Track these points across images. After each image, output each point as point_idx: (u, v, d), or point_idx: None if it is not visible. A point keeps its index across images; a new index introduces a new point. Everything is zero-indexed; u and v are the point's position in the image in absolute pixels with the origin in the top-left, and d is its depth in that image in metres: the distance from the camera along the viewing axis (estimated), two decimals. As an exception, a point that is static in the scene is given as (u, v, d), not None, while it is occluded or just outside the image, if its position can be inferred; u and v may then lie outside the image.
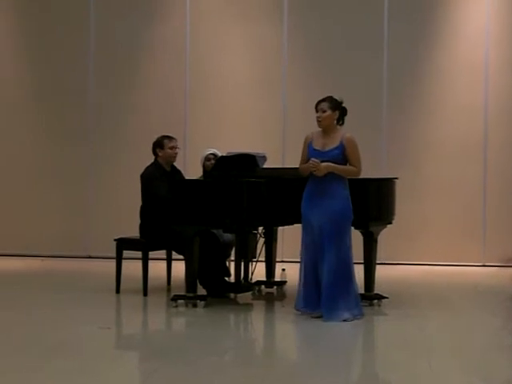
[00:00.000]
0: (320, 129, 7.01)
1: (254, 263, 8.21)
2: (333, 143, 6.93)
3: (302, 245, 7.00)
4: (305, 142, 7.04)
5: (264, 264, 8.40)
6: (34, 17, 11.26)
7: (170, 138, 8.21)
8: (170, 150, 8.15)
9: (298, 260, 9.72)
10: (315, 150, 6.93)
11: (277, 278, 8.57)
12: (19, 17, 11.33)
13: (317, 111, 6.96)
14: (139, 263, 7.99)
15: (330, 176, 6.85)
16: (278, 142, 10.80)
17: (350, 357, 5.92)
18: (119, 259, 8.17)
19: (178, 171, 8.33)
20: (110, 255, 8.65)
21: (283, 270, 8.64)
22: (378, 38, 10.67)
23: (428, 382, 5.14)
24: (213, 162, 8.14)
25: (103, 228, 10.75)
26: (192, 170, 8.89)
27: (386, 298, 7.47)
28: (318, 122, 6.96)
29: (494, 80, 10.57)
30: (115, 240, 8.22)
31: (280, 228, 8.69)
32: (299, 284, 7.02)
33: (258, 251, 8.29)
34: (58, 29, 11.18)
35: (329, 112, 6.93)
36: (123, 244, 8.19)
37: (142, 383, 5.28)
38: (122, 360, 5.76)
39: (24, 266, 10.33)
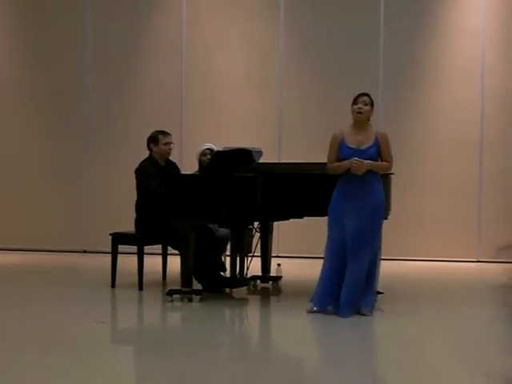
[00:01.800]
0: (350, 126, 6.93)
1: (250, 258, 8.21)
2: (368, 141, 6.89)
3: (327, 241, 6.92)
4: (334, 141, 6.92)
5: (259, 259, 8.41)
6: (31, 17, 11.21)
7: (164, 133, 8.17)
8: (164, 146, 8.12)
9: (293, 255, 9.74)
10: (350, 148, 6.84)
11: (272, 273, 8.57)
12: (16, 18, 11.29)
13: (356, 103, 6.88)
14: (135, 258, 7.99)
15: (368, 173, 6.83)
16: (275, 138, 10.80)
17: (345, 352, 5.93)
18: (114, 254, 8.17)
19: (173, 164, 8.30)
20: (105, 250, 8.64)
21: (279, 265, 8.66)
22: (374, 36, 10.66)
23: (424, 377, 5.15)
24: (209, 156, 8.14)
25: (99, 223, 10.75)
26: (188, 164, 8.88)
27: (382, 293, 7.47)
28: (359, 113, 6.86)
29: (490, 77, 10.58)
30: (110, 235, 8.22)
31: (275, 223, 8.69)
32: (320, 278, 6.95)
33: (254, 246, 8.30)
34: (55, 29, 11.14)
35: (369, 107, 6.91)
36: (118, 239, 8.19)
37: (137, 377, 5.28)
38: (117, 354, 5.77)
39: (20, 261, 10.32)
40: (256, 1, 10.93)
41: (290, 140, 10.78)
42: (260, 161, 7.94)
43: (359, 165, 6.76)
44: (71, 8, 11.15)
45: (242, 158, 7.69)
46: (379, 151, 6.91)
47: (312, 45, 10.79)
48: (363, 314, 6.80)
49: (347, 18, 10.70)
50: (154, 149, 8.11)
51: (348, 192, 6.86)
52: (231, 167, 7.54)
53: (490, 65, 10.57)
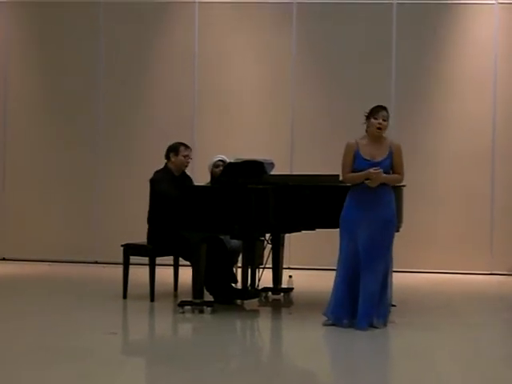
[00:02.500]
0: (364, 137, 6.90)
1: (261, 270, 8.20)
2: (382, 153, 6.87)
3: (340, 253, 6.89)
4: (349, 151, 6.88)
5: (271, 271, 8.39)
6: (46, 27, 11.26)
7: (186, 146, 8.25)
8: (183, 158, 8.18)
9: (304, 267, 9.73)
10: (366, 160, 6.82)
11: (284, 285, 8.55)
12: (32, 28, 11.32)
13: (376, 118, 6.83)
14: (146, 269, 7.99)
15: (381, 185, 6.81)
16: (287, 149, 10.80)
17: (355, 365, 5.91)
18: (126, 265, 8.17)
19: (188, 177, 8.35)
20: (117, 261, 8.65)
21: (290, 276, 8.63)
22: (386, 48, 10.66)
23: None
24: (221, 168, 8.15)
25: (110, 234, 10.76)
26: (200, 176, 8.89)
27: (394, 306, 7.45)
28: (379, 129, 6.82)
29: (503, 90, 10.56)
30: (122, 246, 8.23)
31: (287, 235, 8.68)
32: (333, 290, 6.94)
33: (265, 258, 8.29)
34: (69, 39, 11.18)
35: (387, 122, 6.90)
36: (130, 250, 8.19)
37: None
38: (128, 366, 5.76)
39: (31, 272, 10.33)
40: (269, 12, 10.94)
41: (302, 152, 10.78)
42: (272, 172, 7.93)
43: (377, 174, 6.74)
44: (85, 19, 11.18)
45: (254, 169, 7.68)
46: (391, 163, 6.90)
47: (324, 57, 10.80)
48: (376, 327, 6.78)
49: (360, 30, 10.71)
50: (173, 159, 8.15)
51: (360, 203, 6.84)
52: (243, 179, 7.54)
53: (502, 76, 10.56)
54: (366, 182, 6.78)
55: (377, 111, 6.87)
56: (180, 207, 7.38)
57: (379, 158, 6.86)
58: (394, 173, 6.93)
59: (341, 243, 6.90)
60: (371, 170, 6.76)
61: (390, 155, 6.89)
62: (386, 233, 6.83)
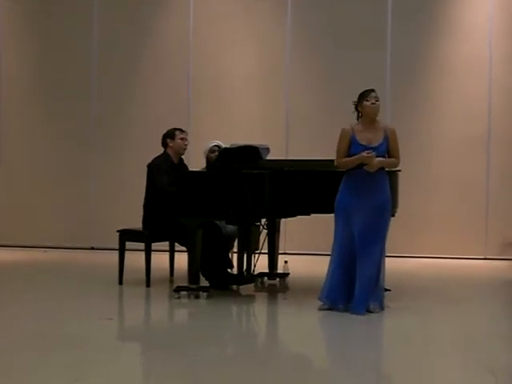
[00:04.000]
0: (358, 123, 6.90)
1: (257, 255, 8.22)
2: (378, 137, 6.87)
3: (335, 238, 6.91)
4: (344, 136, 6.87)
5: (266, 256, 8.41)
6: (38, 19, 11.24)
7: (181, 130, 8.28)
8: (180, 141, 8.19)
9: (300, 252, 9.75)
10: (361, 145, 6.81)
11: (279, 270, 8.57)
12: (24, 20, 11.30)
13: (368, 99, 6.82)
14: (142, 255, 8.00)
15: (377, 170, 6.82)
16: (282, 135, 10.80)
17: (351, 349, 5.93)
18: (122, 251, 8.18)
19: (185, 166, 8.35)
20: (113, 247, 8.66)
21: (286, 262, 8.65)
22: (382, 34, 10.65)
23: (430, 374, 5.15)
24: (217, 153, 8.15)
25: (106, 219, 10.77)
26: (195, 161, 8.89)
27: (389, 290, 7.47)
28: (374, 105, 6.81)
29: (498, 73, 10.56)
30: (118, 231, 8.23)
31: (282, 220, 8.69)
32: (327, 275, 6.96)
33: (261, 243, 8.30)
34: (62, 30, 11.14)
35: (379, 102, 6.91)
36: (126, 235, 8.20)
37: (144, 374, 5.29)
38: (124, 351, 5.78)
39: (27, 258, 10.34)
40: (264, 1, 10.92)
41: (298, 137, 10.78)
42: (267, 158, 7.94)
43: (370, 157, 6.74)
44: (78, 9, 11.16)
45: (250, 154, 7.69)
46: (387, 147, 6.91)
47: (319, 43, 10.78)
48: (372, 311, 6.80)
49: (354, 16, 10.69)
50: (171, 144, 8.16)
51: (355, 188, 6.84)
52: (238, 164, 7.54)
53: (498, 61, 10.56)
54: (365, 167, 6.78)
55: (367, 94, 6.88)
56: (176, 194, 7.39)
57: (375, 143, 6.86)
58: (390, 157, 6.94)
59: (336, 229, 6.91)
60: (364, 154, 6.76)
61: (386, 140, 6.90)
62: (381, 218, 6.84)
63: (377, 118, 6.95)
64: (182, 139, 8.21)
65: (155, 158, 8.14)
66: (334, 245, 6.92)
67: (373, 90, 6.92)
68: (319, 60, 10.78)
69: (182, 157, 8.30)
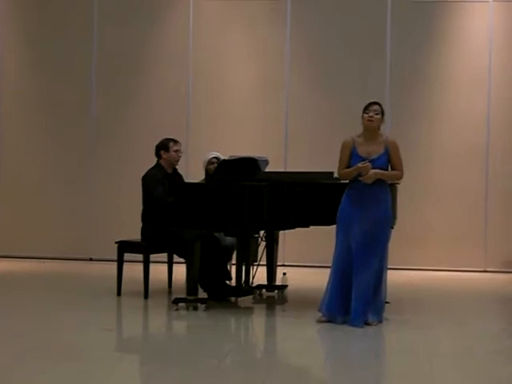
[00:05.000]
0: (360, 134, 6.90)
1: (255, 267, 8.21)
2: (378, 150, 6.88)
3: (335, 250, 6.90)
4: (345, 147, 6.88)
5: (265, 268, 8.40)
6: (38, 26, 11.23)
7: (174, 141, 8.24)
8: (174, 153, 8.18)
9: (299, 264, 9.75)
10: (360, 157, 6.82)
11: (278, 282, 8.56)
12: (24, 27, 11.29)
13: (367, 112, 6.84)
14: (140, 266, 7.99)
15: (378, 183, 6.82)
16: (280, 146, 10.80)
17: (350, 361, 5.92)
18: (120, 262, 8.17)
19: (180, 175, 8.34)
20: (111, 258, 8.65)
21: (284, 274, 8.64)
22: (381, 44, 10.67)
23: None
24: (215, 165, 8.15)
25: (105, 231, 10.75)
26: (194, 173, 8.89)
27: (387, 303, 7.46)
28: (370, 121, 6.82)
29: (497, 85, 10.57)
30: (116, 243, 8.23)
31: (281, 232, 8.69)
32: (327, 287, 6.94)
33: (259, 255, 8.30)
34: (62, 38, 11.13)
35: (379, 116, 6.90)
36: (124, 247, 8.19)
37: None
38: (122, 363, 5.76)
39: (26, 269, 10.33)
40: (262, 8, 10.94)
41: (296, 149, 10.78)
42: (266, 170, 7.94)
43: (365, 167, 6.74)
44: (78, 17, 11.17)
45: (248, 166, 7.68)
46: (389, 160, 6.91)
47: (318, 53, 10.80)
48: (370, 324, 6.79)
49: (354, 26, 10.71)
50: (164, 156, 8.15)
51: (356, 200, 6.84)
52: (237, 176, 7.54)
53: (497, 71, 10.57)
54: (361, 178, 6.79)
55: (367, 106, 6.90)
56: (174, 205, 7.38)
57: (374, 156, 6.86)
58: (392, 170, 6.94)
59: (336, 240, 6.92)
60: (359, 164, 6.77)
61: (386, 152, 6.90)
62: (380, 231, 6.84)
63: (379, 131, 6.95)
64: (176, 151, 8.19)
65: (148, 170, 8.13)
66: (334, 257, 6.92)
67: (375, 103, 6.92)
68: (318, 70, 10.79)
69: (177, 167, 8.29)
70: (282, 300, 8.30)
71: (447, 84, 10.66)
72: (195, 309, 7.39)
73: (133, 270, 8.25)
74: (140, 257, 8.01)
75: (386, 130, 9.68)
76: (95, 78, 11.14)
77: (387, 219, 6.92)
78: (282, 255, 9.45)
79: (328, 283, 6.95)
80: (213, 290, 7.90)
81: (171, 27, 11.07)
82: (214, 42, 10.98)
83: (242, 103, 10.94)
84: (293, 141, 10.80)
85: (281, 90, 10.89)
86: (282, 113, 10.88)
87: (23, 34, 11.34)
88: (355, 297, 6.76)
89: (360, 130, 6.95)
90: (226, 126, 10.88)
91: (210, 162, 8.38)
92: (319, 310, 6.96)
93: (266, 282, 8.44)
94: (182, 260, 7.75)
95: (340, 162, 6.92)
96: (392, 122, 10.14)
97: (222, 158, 8.17)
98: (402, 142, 9.97)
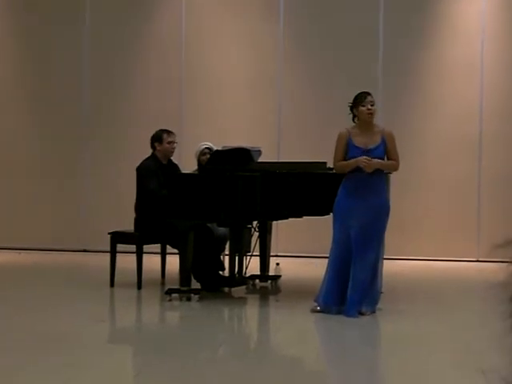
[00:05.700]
0: (354, 126, 6.87)
1: (249, 257, 8.21)
2: (375, 140, 6.86)
3: (332, 240, 6.90)
4: (341, 139, 6.86)
5: (258, 258, 8.40)
6: (29, 16, 11.18)
7: (168, 132, 8.21)
8: (168, 145, 8.15)
9: (292, 254, 9.74)
10: (358, 147, 6.81)
11: (271, 273, 8.57)
12: (14, 17, 11.25)
13: (364, 105, 6.80)
14: (134, 257, 7.99)
15: (376, 173, 6.82)
16: (274, 137, 10.80)
17: (344, 351, 5.93)
18: (113, 253, 8.16)
19: (175, 165, 8.33)
20: (105, 249, 8.64)
21: (277, 264, 8.66)
22: (374, 36, 10.65)
23: (422, 376, 5.15)
24: (208, 156, 8.14)
25: (98, 222, 10.73)
26: (187, 163, 8.88)
27: (381, 292, 7.46)
28: (370, 114, 6.81)
29: (490, 76, 10.57)
30: (109, 233, 8.22)
31: (274, 222, 8.69)
32: (324, 278, 6.94)
33: (252, 245, 8.30)
34: (54, 28, 11.10)
35: (375, 106, 6.89)
36: (117, 238, 8.18)
37: (135, 377, 5.28)
38: (115, 353, 5.77)
39: (19, 260, 10.31)
40: (256, 3, 10.92)
41: (289, 139, 10.78)
42: (259, 160, 7.93)
43: (368, 163, 6.74)
44: (70, 7, 11.14)
45: (241, 157, 7.68)
46: (386, 150, 6.91)
47: (311, 46, 10.78)
48: (364, 314, 6.80)
49: (346, 19, 10.68)
50: (158, 147, 8.13)
51: (353, 191, 6.83)
52: (230, 166, 7.54)
53: (490, 62, 10.57)
54: (362, 165, 6.76)
55: (363, 98, 6.86)
56: (167, 196, 7.38)
57: (371, 146, 6.85)
58: (389, 160, 6.94)
59: (333, 231, 6.91)
60: (361, 158, 6.74)
61: (383, 142, 6.89)
62: (378, 221, 6.84)
63: (375, 123, 6.95)
64: (170, 143, 8.16)
65: (143, 161, 8.11)
66: (331, 248, 6.92)
67: (368, 94, 6.91)
68: (311, 62, 10.78)
69: (172, 158, 8.28)
70: (276, 290, 8.30)
71: (439, 75, 10.64)
72: (188, 299, 7.39)
73: (126, 261, 8.25)
74: (133, 248, 8.00)
75: (378, 121, 9.70)
76: (87, 70, 11.11)
77: (385, 209, 6.91)
78: (275, 245, 9.44)
79: (325, 274, 6.95)
80: (206, 281, 7.90)
81: (164, 20, 11.04)
82: (206, 34, 10.95)
83: (235, 95, 10.92)
84: (286, 131, 10.79)
85: (274, 80, 10.87)
86: (275, 103, 10.87)
87: (10, 19, 11.27)
88: (352, 288, 6.75)
89: (351, 123, 6.93)
90: (219, 116, 10.86)
91: (202, 153, 8.36)
92: (315, 301, 6.95)
93: (259, 273, 8.43)
94: (175, 251, 7.75)
95: (336, 154, 6.89)
96: (385, 113, 10.14)
97: (215, 148, 8.16)
98: (395, 132, 9.99)
